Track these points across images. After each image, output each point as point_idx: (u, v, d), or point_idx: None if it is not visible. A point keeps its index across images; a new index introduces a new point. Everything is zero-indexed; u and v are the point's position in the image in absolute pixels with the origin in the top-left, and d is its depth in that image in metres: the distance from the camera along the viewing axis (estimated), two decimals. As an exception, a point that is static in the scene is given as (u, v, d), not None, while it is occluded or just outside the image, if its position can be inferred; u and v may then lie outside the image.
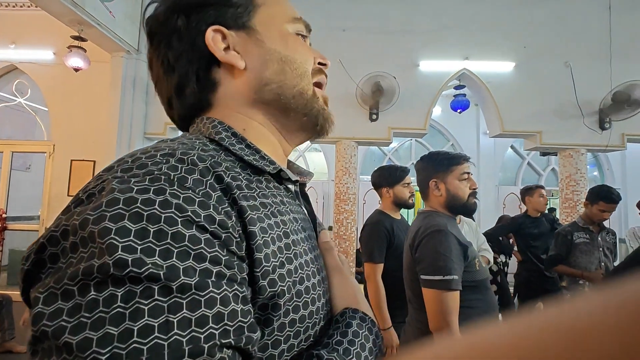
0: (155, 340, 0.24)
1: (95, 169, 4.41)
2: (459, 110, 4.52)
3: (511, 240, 3.55)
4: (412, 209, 2.61)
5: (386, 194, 1.95)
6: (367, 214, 2.07)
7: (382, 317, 1.75)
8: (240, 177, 0.36)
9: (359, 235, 2.10)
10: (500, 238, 3.43)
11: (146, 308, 0.25)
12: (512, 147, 6.89)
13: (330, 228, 4.49)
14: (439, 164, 1.27)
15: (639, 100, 3.87)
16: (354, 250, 4.32)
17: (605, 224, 2.38)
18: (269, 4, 0.46)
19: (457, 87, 4.49)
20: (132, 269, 0.25)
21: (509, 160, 7.05)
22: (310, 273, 0.38)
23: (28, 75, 4.66)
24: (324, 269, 0.43)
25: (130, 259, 0.25)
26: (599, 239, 2.30)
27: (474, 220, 2.49)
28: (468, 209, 1.25)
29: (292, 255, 0.36)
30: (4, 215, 4.55)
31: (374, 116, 4.15)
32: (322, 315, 0.38)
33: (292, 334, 0.34)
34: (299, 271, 0.36)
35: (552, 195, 6.57)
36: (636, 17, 4.18)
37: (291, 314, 0.34)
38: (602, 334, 0.10)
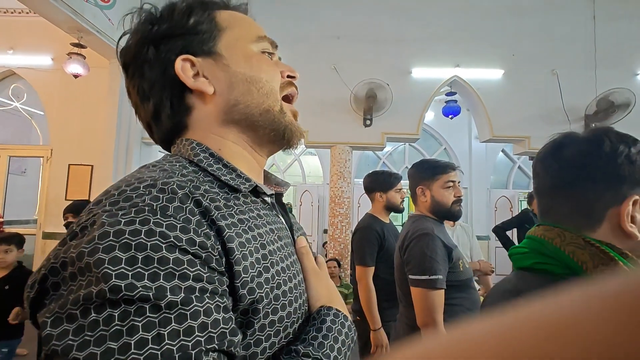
0: (150, 350, 0.29)
1: (93, 173, 4.45)
2: (450, 116, 4.65)
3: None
4: (403, 212, 2.70)
5: (379, 198, 2.03)
6: (362, 217, 2.15)
7: (373, 318, 1.82)
8: (218, 197, 0.40)
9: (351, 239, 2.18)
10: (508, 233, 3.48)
11: (140, 324, 0.29)
12: (503, 151, 7.04)
13: (325, 231, 4.56)
14: (425, 172, 1.36)
15: (623, 106, 4.02)
16: (349, 253, 4.40)
17: None
18: (232, 26, 0.49)
19: (448, 94, 4.61)
20: (125, 293, 0.29)
21: (500, 164, 7.19)
22: (286, 278, 0.42)
23: (26, 80, 4.70)
24: (300, 273, 0.47)
25: (123, 284, 0.30)
26: None
27: (466, 224, 2.59)
28: (452, 215, 1.34)
29: (269, 264, 0.40)
30: (1, 220, 4.57)
31: (368, 122, 4.25)
32: (299, 315, 0.43)
33: (272, 333, 0.38)
34: (276, 278, 0.40)
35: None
36: (619, 26, 4.34)
37: (270, 316, 0.38)
38: (585, 325, 0.10)
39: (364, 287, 1.85)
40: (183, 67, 0.45)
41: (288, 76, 0.51)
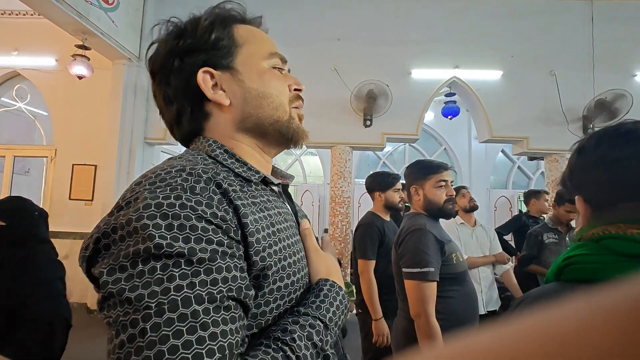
0: (185, 293, 0.37)
1: (97, 173, 4.50)
2: (449, 117, 4.69)
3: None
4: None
5: (378, 197, 2.12)
6: (362, 216, 2.22)
7: (374, 308, 1.90)
8: (234, 183, 0.48)
9: (353, 236, 2.24)
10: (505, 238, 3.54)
11: (177, 274, 0.38)
12: (502, 151, 7.08)
13: (325, 230, 4.59)
14: (418, 173, 1.43)
15: (620, 107, 4.07)
16: (349, 252, 4.45)
17: (573, 224, 2.53)
18: (248, 42, 0.56)
19: (447, 95, 4.66)
20: (166, 249, 0.38)
21: (500, 164, 7.23)
22: (291, 253, 0.50)
23: (30, 81, 4.76)
24: (302, 251, 0.54)
25: (164, 242, 0.38)
26: (567, 238, 2.44)
27: (488, 226, 2.61)
28: (444, 214, 1.39)
29: (277, 239, 0.48)
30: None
31: (368, 122, 4.30)
32: (301, 285, 0.50)
33: (278, 297, 0.46)
34: (283, 251, 0.48)
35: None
36: (616, 28, 4.39)
37: (277, 283, 0.46)
38: (590, 338, 0.10)
39: (366, 279, 1.94)
40: (204, 79, 0.52)
41: (295, 89, 0.58)
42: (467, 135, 6.95)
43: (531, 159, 5.10)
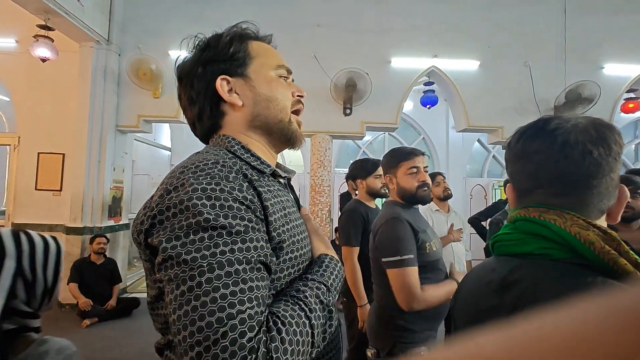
0: (228, 256, 0.48)
1: (65, 162, 4.29)
2: (428, 106, 4.73)
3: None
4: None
5: (360, 184, 2.13)
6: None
7: (359, 294, 1.92)
8: (254, 174, 0.59)
9: (335, 224, 2.25)
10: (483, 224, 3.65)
11: (221, 242, 0.48)
12: (479, 140, 7.25)
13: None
14: (390, 162, 1.44)
15: (589, 98, 4.22)
16: (329, 241, 4.47)
17: None
18: (260, 55, 0.67)
19: (426, 84, 4.69)
20: (212, 223, 0.48)
21: (476, 153, 7.41)
22: (298, 232, 0.62)
23: (-12, 63, 4.44)
24: (305, 231, 0.66)
25: (210, 217, 0.48)
26: None
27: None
28: (418, 200, 1.40)
29: (288, 220, 0.60)
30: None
31: (348, 110, 4.28)
32: (307, 257, 0.63)
33: (290, 265, 0.58)
34: (293, 230, 0.60)
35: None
36: (589, 20, 4.52)
37: (289, 254, 0.58)
38: (599, 341, 0.10)
39: (350, 266, 1.94)
40: (221, 84, 0.64)
41: (298, 95, 0.69)
42: (445, 125, 7.06)
43: (506, 147, 5.24)
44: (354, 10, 4.44)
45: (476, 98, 4.44)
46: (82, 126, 4.08)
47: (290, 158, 7.34)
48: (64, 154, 4.30)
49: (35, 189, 4.30)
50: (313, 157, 4.42)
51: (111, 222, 4.33)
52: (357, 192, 4.10)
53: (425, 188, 1.40)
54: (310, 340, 0.51)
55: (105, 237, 3.90)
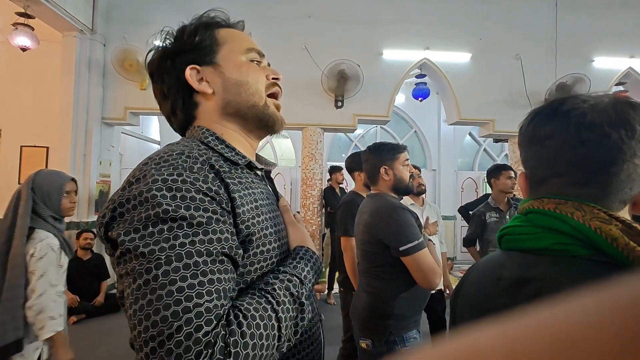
0: (187, 248, 0.46)
1: (49, 155, 4.17)
2: (420, 99, 4.72)
3: None
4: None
5: (358, 177, 2.17)
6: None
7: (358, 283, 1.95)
8: (224, 166, 0.57)
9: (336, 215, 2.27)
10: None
11: (181, 234, 0.46)
12: (470, 134, 7.28)
13: (297, 213, 4.57)
14: (387, 153, 1.48)
15: (578, 91, 4.25)
16: (320, 235, 4.46)
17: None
18: (228, 41, 0.65)
19: (418, 76, 4.66)
20: (171, 214, 0.47)
21: (467, 147, 7.44)
22: (272, 224, 0.60)
23: (-34, 53, 4.27)
24: (282, 224, 0.64)
25: (170, 208, 0.47)
26: (507, 217, 2.50)
27: (434, 204, 2.73)
28: (409, 190, 1.50)
29: (259, 212, 0.58)
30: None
31: (339, 103, 4.24)
32: (282, 250, 0.61)
33: (261, 259, 0.56)
34: (265, 222, 0.58)
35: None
36: (579, 14, 4.53)
37: (260, 247, 0.56)
38: (598, 335, 0.10)
39: (349, 255, 1.99)
40: (191, 74, 0.62)
41: (273, 78, 0.67)
42: (436, 119, 7.06)
43: (496, 141, 5.27)
44: (346, 1, 4.38)
45: (468, 91, 4.43)
46: (67, 119, 3.96)
47: (282, 151, 7.29)
48: (48, 148, 4.18)
49: (19, 183, 4.18)
50: (304, 150, 4.37)
51: (98, 217, 4.24)
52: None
53: (413, 179, 1.48)
54: (277, 334, 0.49)
55: (92, 232, 3.82)
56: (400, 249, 1.29)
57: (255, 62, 0.66)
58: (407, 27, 4.40)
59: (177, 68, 0.63)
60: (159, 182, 0.48)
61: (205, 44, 0.64)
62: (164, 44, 0.65)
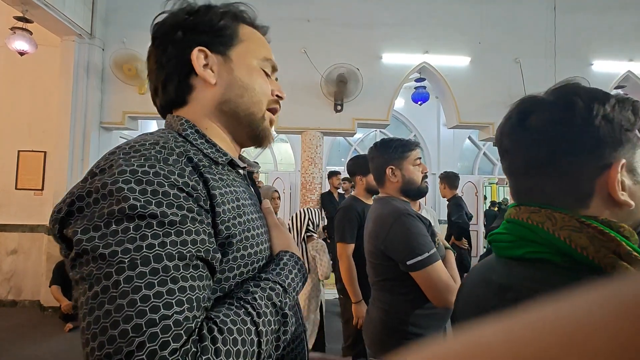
0: (156, 251, 0.40)
1: (47, 160, 4.14)
2: (419, 102, 4.71)
3: None
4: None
5: (359, 181, 2.08)
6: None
7: (354, 291, 1.90)
8: (203, 160, 0.51)
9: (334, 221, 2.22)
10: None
11: (149, 234, 0.40)
12: (469, 137, 7.28)
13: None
14: (394, 151, 1.29)
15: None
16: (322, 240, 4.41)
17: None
18: (250, 41, 0.62)
19: (417, 80, 4.66)
20: (139, 210, 0.40)
21: (467, 150, 7.44)
22: (254, 226, 0.55)
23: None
24: (264, 226, 0.59)
25: (138, 204, 0.40)
26: None
27: (431, 208, 2.71)
28: (421, 192, 1.30)
29: (241, 212, 0.52)
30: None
31: (339, 107, 4.23)
32: (263, 255, 0.55)
33: (242, 264, 0.50)
34: (246, 224, 0.53)
35: (506, 184, 7.03)
36: (578, 17, 4.54)
37: (241, 251, 0.50)
38: (602, 332, 0.10)
39: (345, 262, 1.93)
40: (197, 56, 0.57)
41: (277, 95, 0.64)
42: (436, 122, 7.07)
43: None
44: (344, 5, 4.38)
45: (467, 94, 4.42)
46: (64, 123, 3.94)
47: (282, 156, 7.27)
48: (45, 152, 4.15)
49: (16, 188, 4.14)
50: (304, 154, 4.35)
51: (96, 222, 4.20)
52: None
53: (426, 180, 1.30)
54: (256, 350, 0.44)
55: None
56: (407, 263, 1.11)
57: (266, 73, 0.63)
58: (407, 30, 4.40)
59: (185, 44, 0.57)
60: (127, 174, 0.42)
61: (226, 33, 0.59)
62: (183, 13, 0.60)
